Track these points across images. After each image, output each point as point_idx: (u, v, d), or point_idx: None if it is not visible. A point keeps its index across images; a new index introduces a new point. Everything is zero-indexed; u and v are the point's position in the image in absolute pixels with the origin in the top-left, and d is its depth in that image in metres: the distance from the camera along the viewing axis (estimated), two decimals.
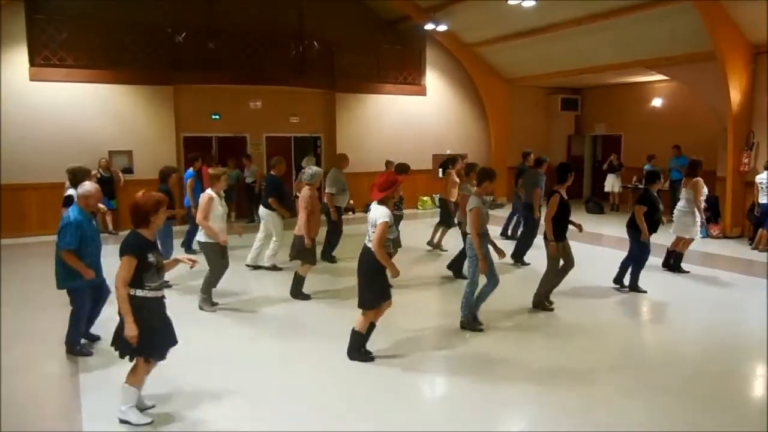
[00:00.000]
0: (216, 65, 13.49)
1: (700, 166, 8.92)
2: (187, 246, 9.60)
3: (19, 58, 11.93)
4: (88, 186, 5.42)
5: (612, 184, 15.57)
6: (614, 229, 12.42)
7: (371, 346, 5.46)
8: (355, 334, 5.37)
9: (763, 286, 7.96)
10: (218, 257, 6.82)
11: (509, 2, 12.12)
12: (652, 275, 8.23)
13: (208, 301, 6.97)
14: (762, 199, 10.33)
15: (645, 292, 7.62)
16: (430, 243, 10.51)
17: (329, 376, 5.13)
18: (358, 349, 5.38)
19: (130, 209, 4.09)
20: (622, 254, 7.94)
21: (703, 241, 8.82)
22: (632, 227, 7.64)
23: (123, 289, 3.94)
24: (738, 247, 10.63)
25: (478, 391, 4.83)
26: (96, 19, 12.56)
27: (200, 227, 6.75)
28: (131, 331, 3.91)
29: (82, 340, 5.65)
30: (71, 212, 5.29)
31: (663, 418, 4.40)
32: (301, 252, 7.25)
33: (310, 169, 7.59)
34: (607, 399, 4.72)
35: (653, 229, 7.53)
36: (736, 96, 11.34)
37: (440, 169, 16.96)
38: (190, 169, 9.96)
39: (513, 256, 9.20)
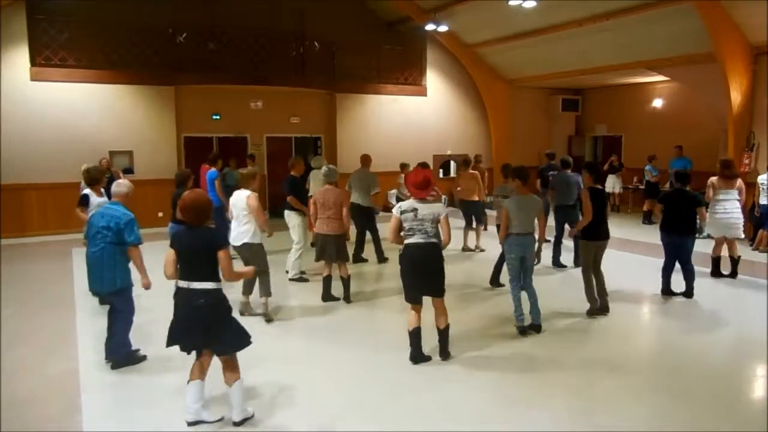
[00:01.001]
0: (217, 66, 13.50)
1: (733, 165, 8.61)
2: None
3: (20, 58, 11.95)
4: (125, 182, 5.43)
5: (613, 184, 15.55)
6: (615, 230, 12.34)
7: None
8: (446, 330, 5.44)
9: (764, 287, 7.96)
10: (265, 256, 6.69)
11: (510, 3, 12.12)
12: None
13: (248, 306, 6.83)
14: (762, 200, 10.31)
15: (676, 293, 7.52)
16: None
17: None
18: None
19: (189, 208, 4.07)
20: (624, 255, 7.86)
21: (704, 242, 8.76)
22: (687, 230, 7.33)
23: (234, 274, 4.29)
24: (739, 248, 10.58)
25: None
26: (97, 19, 12.56)
27: (255, 226, 6.52)
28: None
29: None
30: (118, 210, 5.14)
31: (664, 418, 4.40)
32: (341, 252, 7.22)
33: (326, 167, 7.52)
34: (608, 400, 4.73)
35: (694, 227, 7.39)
36: (736, 97, 11.33)
37: (440, 170, 16.99)
38: (213, 169, 9.79)
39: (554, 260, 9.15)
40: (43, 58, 12.18)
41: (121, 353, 5.27)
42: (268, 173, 14.67)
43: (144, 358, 5.39)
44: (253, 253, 6.54)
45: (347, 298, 7.36)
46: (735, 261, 8.48)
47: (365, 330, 6.47)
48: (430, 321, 5.44)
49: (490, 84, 17.15)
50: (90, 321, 6.54)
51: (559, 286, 8.16)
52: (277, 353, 5.66)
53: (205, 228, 4.17)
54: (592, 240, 6.68)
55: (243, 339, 4.21)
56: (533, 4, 12.03)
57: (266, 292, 6.69)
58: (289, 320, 6.78)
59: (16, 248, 10.88)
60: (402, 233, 5.22)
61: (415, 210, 5.12)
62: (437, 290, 5.33)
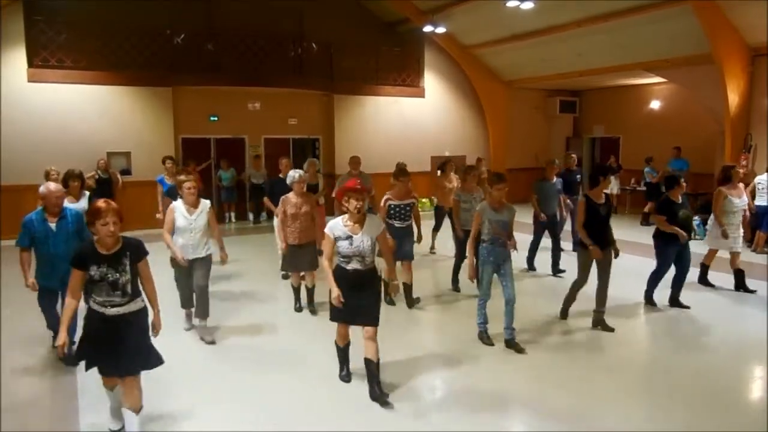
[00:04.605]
0: (215, 67, 13.50)
1: (728, 172, 8.00)
2: None
3: (17, 59, 11.93)
4: (42, 186, 5.39)
5: (611, 186, 15.58)
6: (613, 231, 12.39)
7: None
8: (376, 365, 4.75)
9: (763, 287, 7.96)
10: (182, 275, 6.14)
11: (508, 4, 12.14)
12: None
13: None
14: (760, 201, 10.34)
15: (655, 304, 7.21)
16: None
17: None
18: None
19: None
20: (622, 257, 7.74)
21: (702, 243, 8.71)
22: (658, 238, 7.12)
23: (68, 296, 3.79)
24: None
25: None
26: (95, 20, 12.56)
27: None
28: (59, 339, 3.78)
29: None
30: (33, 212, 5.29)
31: (663, 418, 4.41)
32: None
33: (295, 171, 6.95)
34: (607, 401, 4.73)
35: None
36: (734, 98, 11.37)
37: (438, 171, 16.97)
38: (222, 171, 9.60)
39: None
40: (40, 60, 12.17)
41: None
42: (267, 174, 14.63)
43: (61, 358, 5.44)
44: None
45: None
46: (738, 272, 8.03)
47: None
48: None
49: (488, 85, 17.17)
50: None
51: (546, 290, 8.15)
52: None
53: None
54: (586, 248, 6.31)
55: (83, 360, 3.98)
56: (531, 5, 12.06)
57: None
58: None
59: (15, 249, 10.82)
60: (337, 258, 4.65)
61: (349, 238, 4.55)
62: (376, 317, 4.74)
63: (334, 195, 5.63)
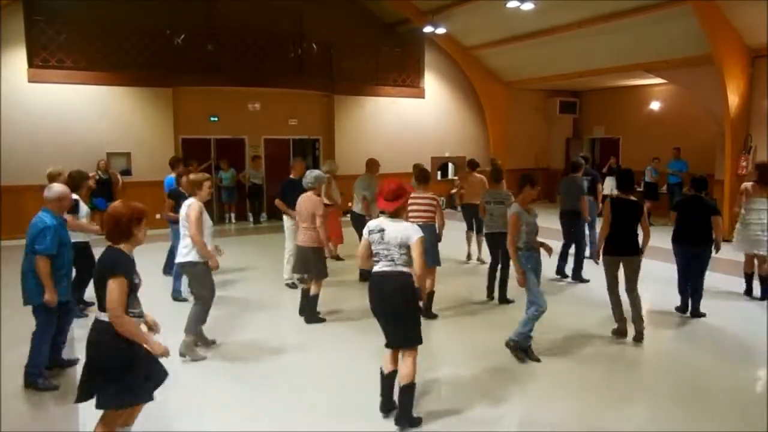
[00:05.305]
0: (215, 67, 13.51)
1: None
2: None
3: (17, 59, 11.94)
4: (58, 187, 4.89)
5: (611, 187, 15.53)
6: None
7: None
8: (409, 389, 4.17)
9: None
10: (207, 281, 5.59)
11: (508, 5, 12.14)
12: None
13: (191, 346, 5.56)
14: None
15: (704, 315, 6.85)
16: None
17: None
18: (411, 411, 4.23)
19: (106, 221, 3.47)
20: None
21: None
22: (710, 241, 6.66)
23: (123, 315, 3.29)
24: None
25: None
26: (95, 20, 12.57)
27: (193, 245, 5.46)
28: (159, 348, 3.40)
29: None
30: (45, 217, 4.77)
31: (663, 418, 4.41)
32: (310, 264, 6.55)
33: (311, 172, 6.83)
34: (607, 401, 4.73)
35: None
36: (734, 99, 11.37)
37: (438, 172, 16.98)
38: (171, 175, 8.85)
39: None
40: (40, 60, 12.18)
41: (29, 372, 4.89)
42: (266, 175, 14.66)
43: (55, 387, 4.87)
44: (192, 275, 5.62)
45: (307, 318, 6.64)
46: (765, 279, 7.51)
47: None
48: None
49: (488, 86, 17.19)
50: (87, 322, 6.51)
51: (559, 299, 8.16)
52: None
53: (111, 248, 3.46)
54: (608, 254, 6.06)
55: (124, 397, 3.43)
56: (531, 6, 12.06)
57: (191, 326, 5.52)
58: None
59: (15, 250, 10.79)
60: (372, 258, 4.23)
61: (381, 231, 4.13)
62: (399, 337, 4.19)
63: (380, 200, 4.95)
